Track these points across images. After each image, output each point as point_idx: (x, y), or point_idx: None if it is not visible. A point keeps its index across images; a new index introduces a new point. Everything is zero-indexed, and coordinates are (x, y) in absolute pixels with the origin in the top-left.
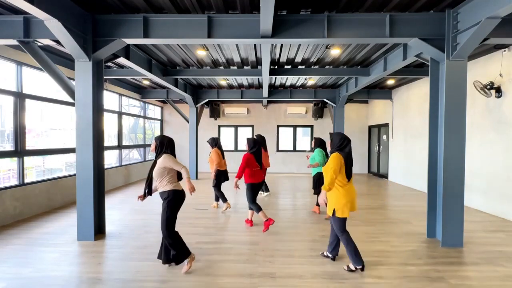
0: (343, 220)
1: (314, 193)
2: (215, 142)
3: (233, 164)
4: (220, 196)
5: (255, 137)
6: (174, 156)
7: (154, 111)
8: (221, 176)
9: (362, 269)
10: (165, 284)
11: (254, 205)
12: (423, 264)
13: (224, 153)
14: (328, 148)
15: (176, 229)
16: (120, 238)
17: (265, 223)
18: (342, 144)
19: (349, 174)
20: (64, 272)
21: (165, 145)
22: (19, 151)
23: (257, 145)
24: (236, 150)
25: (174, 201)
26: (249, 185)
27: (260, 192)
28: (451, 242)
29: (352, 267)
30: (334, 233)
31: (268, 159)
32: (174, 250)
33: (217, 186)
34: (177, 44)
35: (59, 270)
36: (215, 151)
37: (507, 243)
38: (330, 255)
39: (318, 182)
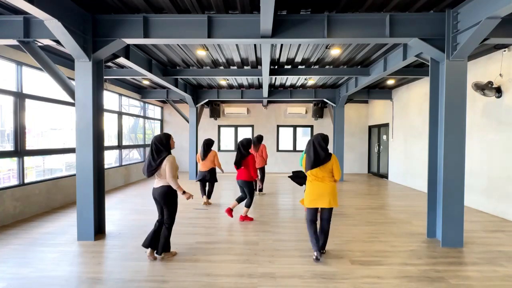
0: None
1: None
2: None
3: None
4: (210, 192)
5: (257, 136)
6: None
7: (154, 111)
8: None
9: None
10: (165, 284)
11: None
12: (423, 264)
13: (224, 153)
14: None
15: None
16: (120, 238)
17: (245, 217)
18: (327, 145)
19: None
20: (64, 272)
21: (164, 145)
22: (19, 151)
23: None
24: (236, 150)
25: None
26: (252, 182)
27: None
28: (451, 242)
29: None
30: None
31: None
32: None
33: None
34: (177, 44)
35: (59, 270)
36: (214, 153)
37: (507, 243)
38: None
39: None
